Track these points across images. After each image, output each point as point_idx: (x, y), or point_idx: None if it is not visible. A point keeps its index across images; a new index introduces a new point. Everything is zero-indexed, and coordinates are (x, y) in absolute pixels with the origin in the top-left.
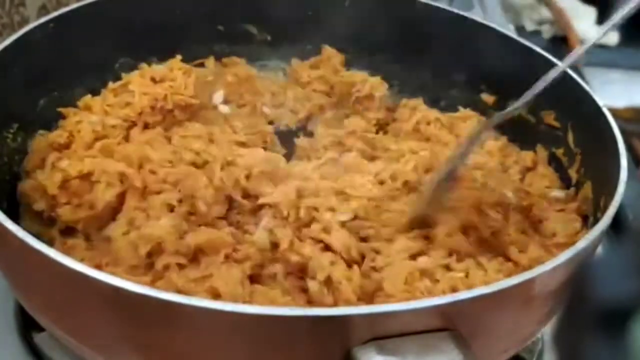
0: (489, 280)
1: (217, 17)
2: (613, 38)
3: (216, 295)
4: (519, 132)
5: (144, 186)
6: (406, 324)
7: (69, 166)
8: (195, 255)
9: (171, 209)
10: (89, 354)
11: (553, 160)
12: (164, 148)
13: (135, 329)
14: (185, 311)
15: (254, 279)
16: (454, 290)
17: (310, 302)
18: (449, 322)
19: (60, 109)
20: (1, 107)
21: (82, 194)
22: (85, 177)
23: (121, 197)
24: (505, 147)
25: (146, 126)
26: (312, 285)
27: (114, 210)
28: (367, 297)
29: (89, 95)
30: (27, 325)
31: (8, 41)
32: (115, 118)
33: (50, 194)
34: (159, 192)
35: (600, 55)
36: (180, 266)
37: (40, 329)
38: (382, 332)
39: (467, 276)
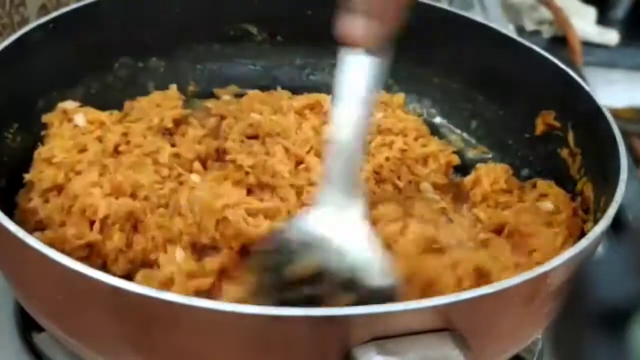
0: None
1: (217, 17)
2: (613, 38)
3: None
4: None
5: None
6: (406, 324)
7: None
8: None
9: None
10: (89, 354)
11: (555, 160)
12: (146, 169)
13: (135, 329)
14: (185, 311)
15: None
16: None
17: None
18: (449, 322)
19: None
20: (1, 107)
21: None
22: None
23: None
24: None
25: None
26: None
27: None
28: None
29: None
30: (27, 326)
31: (8, 41)
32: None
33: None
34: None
35: (600, 55)
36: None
37: (40, 329)
38: (382, 332)
39: None
